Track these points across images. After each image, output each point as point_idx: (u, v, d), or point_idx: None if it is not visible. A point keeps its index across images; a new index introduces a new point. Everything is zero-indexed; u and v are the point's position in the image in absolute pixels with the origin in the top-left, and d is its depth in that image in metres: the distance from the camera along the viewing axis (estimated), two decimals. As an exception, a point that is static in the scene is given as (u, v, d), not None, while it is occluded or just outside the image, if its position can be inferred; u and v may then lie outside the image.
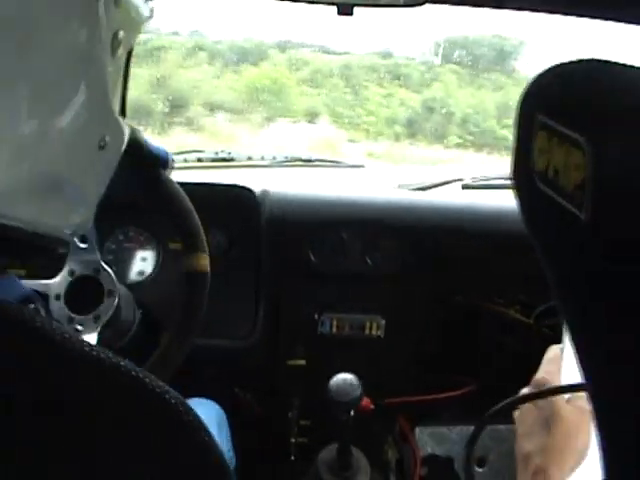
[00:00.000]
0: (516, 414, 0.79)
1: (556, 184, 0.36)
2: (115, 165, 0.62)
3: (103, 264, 1.07)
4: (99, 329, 1.02)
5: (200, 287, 0.97)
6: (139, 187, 0.98)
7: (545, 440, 0.72)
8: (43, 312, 0.61)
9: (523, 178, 0.39)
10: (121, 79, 0.66)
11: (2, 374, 0.39)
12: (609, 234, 0.32)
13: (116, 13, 0.57)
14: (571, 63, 0.38)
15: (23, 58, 0.44)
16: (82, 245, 1.05)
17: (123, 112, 0.66)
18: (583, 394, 0.75)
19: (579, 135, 0.34)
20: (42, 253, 0.58)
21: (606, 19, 0.97)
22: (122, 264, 1.35)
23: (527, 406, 0.74)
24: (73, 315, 1.03)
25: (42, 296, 0.61)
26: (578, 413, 0.73)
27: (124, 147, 0.64)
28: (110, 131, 0.58)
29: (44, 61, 0.47)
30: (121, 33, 0.58)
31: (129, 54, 0.67)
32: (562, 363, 0.79)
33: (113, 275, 1.06)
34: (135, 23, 0.65)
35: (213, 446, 0.46)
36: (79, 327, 1.03)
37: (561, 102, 0.37)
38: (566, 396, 0.75)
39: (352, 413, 1.09)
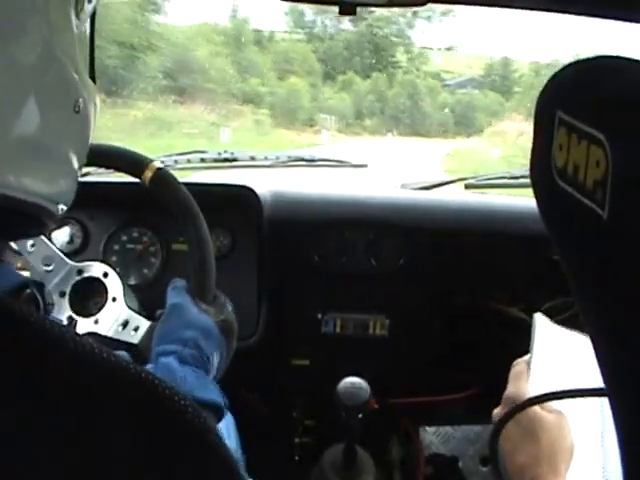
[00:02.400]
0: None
1: (576, 181, 0.36)
2: (91, 129, 0.62)
3: (111, 269, 1.07)
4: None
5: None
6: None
7: (535, 449, 0.74)
8: (40, 298, 0.60)
9: (542, 175, 0.39)
10: (86, 41, 0.66)
11: None
12: (630, 231, 0.32)
13: None
14: (589, 60, 0.38)
15: None
16: (48, 268, 1.05)
17: (93, 78, 0.67)
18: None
19: (599, 132, 0.34)
20: (31, 226, 0.58)
21: (612, 19, 0.97)
22: (126, 265, 1.35)
23: (508, 425, 0.75)
24: (74, 315, 1.03)
25: (38, 285, 0.60)
26: (558, 417, 0.76)
27: (97, 111, 0.64)
28: (83, 94, 0.58)
29: (9, 23, 0.47)
30: None
31: (93, 17, 0.67)
32: (530, 376, 0.80)
33: (121, 282, 1.06)
34: None
35: (223, 448, 0.46)
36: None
37: (580, 99, 0.37)
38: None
39: (360, 416, 1.09)
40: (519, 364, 0.85)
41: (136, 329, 1.01)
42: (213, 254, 0.98)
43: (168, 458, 0.42)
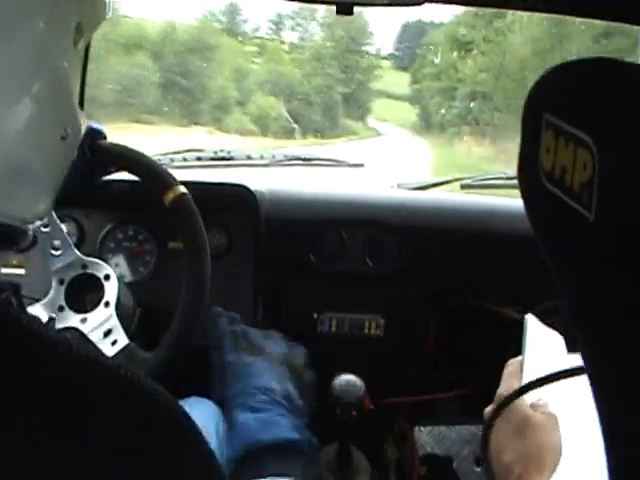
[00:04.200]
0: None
1: (563, 183, 0.36)
2: (74, 155, 0.63)
3: (114, 273, 1.07)
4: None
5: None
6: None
7: (522, 448, 0.75)
8: (15, 302, 0.61)
9: (529, 177, 0.39)
10: (80, 71, 0.67)
11: None
12: (616, 234, 0.32)
13: (78, 4, 0.59)
14: (577, 62, 0.38)
15: None
16: (55, 252, 1.06)
17: (81, 104, 0.68)
18: (545, 400, 0.80)
19: (586, 134, 0.34)
20: (4, 245, 0.58)
21: (609, 19, 0.97)
22: (121, 263, 1.35)
23: (497, 423, 0.76)
24: (64, 305, 1.04)
25: (14, 287, 0.61)
26: (546, 417, 0.78)
27: (81, 138, 0.65)
28: (71, 122, 0.59)
29: (5, 50, 0.48)
30: (83, 24, 0.59)
31: (87, 46, 0.69)
32: (522, 376, 0.81)
33: (117, 286, 1.06)
34: (96, 15, 0.67)
35: (205, 449, 0.46)
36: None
37: (567, 101, 0.37)
38: (528, 402, 0.79)
39: (355, 413, 1.10)
40: (512, 364, 0.86)
41: (114, 343, 1.02)
42: (207, 291, 1.00)
43: (144, 455, 0.42)
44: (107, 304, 1.05)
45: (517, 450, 0.75)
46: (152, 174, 1.03)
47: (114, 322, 1.03)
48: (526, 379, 0.80)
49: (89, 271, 1.07)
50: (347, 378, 1.12)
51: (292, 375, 1.03)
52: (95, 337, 1.02)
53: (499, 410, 0.75)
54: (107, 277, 1.07)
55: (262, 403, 0.93)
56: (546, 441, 0.76)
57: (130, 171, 1.07)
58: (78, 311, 1.05)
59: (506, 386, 0.82)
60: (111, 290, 1.06)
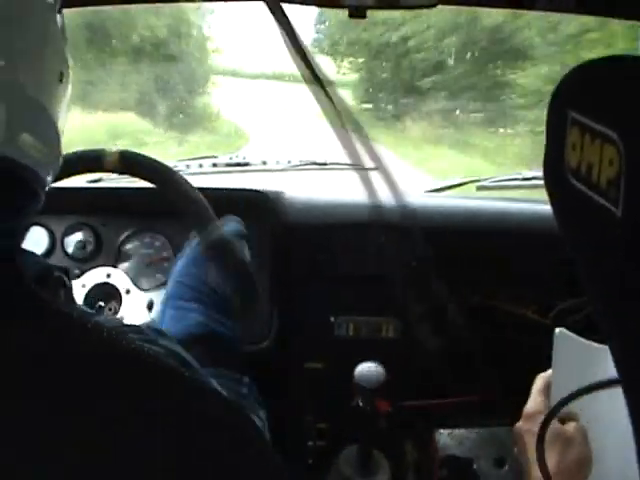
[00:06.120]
0: (515, 449, 0.82)
1: (589, 180, 0.36)
2: (68, 101, 0.64)
3: (134, 287, 1.08)
4: None
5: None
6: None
7: (552, 463, 0.75)
8: (68, 282, 0.62)
9: (556, 175, 0.40)
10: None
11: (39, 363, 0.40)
12: None
13: None
14: (602, 60, 0.38)
15: None
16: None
17: None
18: (575, 413, 0.79)
19: (612, 131, 0.34)
20: (24, 194, 0.58)
21: (614, 16, 0.96)
22: (139, 270, 1.36)
23: (527, 438, 0.77)
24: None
25: (63, 269, 0.61)
26: (576, 431, 0.78)
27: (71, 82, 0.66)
28: (65, 65, 0.61)
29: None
30: None
31: None
32: (552, 392, 0.80)
33: (135, 302, 1.07)
34: None
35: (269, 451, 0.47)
36: None
37: (593, 98, 0.37)
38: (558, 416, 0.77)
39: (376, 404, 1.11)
40: (541, 379, 0.85)
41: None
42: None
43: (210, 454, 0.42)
44: (128, 291, 1.06)
45: (551, 464, 0.74)
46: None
47: (148, 297, 1.05)
48: (555, 394, 0.79)
49: (111, 281, 1.08)
50: (368, 365, 1.15)
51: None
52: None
53: (546, 424, 0.74)
54: (128, 292, 1.08)
55: (187, 291, 0.90)
56: (576, 455, 0.76)
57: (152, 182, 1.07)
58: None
59: (534, 402, 0.82)
60: (127, 305, 1.07)
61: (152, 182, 0.97)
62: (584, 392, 0.69)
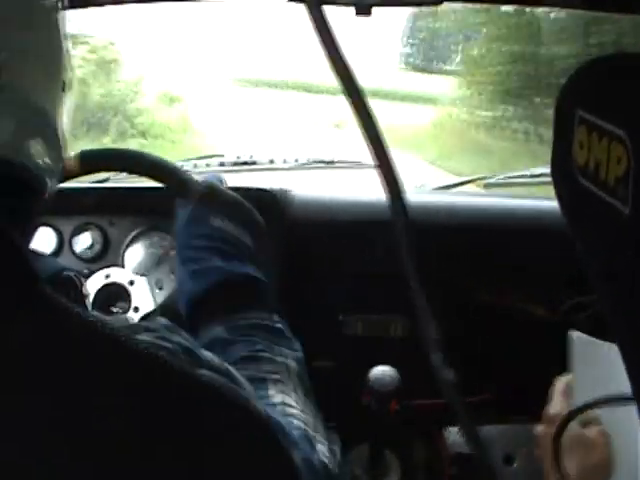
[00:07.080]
0: (536, 452, 0.81)
1: (597, 178, 0.36)
2: (71, 108, 0.64)
3: (135, 276, 1.07)
4: None
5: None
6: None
7: (572, 467, 0.74)
8: (79, 283, 0.62)
9: (563, 173, 0.39)
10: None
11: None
12: None
13: None
14: (609, 58, 0.38)
15: None
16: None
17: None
18: (595, 416, 0.78)
19: (620, 129, 0.34)
20: (26, 198, 0.59)
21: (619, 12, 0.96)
22: (146, 270, 1.36)
23: (546, 440, 0.76)
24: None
25: (77, 273, 0.62)
26: (598, 434, 0.76)
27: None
28: (66, 74, 0.62)
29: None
30: None
31: None
32: (573, 396, 0.80)
33: (146, 289, 1.07)
34: None
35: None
36: None
37: (600, 97, 0.37)
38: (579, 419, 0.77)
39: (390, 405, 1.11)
40: (561, 382, 0.85)
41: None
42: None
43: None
44: (136, 309, 1.06)
45: (568, 469, 0.74)
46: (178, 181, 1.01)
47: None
48: (578, 397, 0.79)
49: (112, 280, 1.08)
50: (383, 369, 1.14)
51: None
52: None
53: (565, 424, 0.73)
54: (131, 283, 1.08)
55: (198, 251, 0.89)
56: (597, 460, 0.75)
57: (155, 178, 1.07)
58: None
59: (557, 405, 0.81)
60: (138, 294, 1.07)
61: (121, 169, 0.98)
62: (602, 403, 0.68)
